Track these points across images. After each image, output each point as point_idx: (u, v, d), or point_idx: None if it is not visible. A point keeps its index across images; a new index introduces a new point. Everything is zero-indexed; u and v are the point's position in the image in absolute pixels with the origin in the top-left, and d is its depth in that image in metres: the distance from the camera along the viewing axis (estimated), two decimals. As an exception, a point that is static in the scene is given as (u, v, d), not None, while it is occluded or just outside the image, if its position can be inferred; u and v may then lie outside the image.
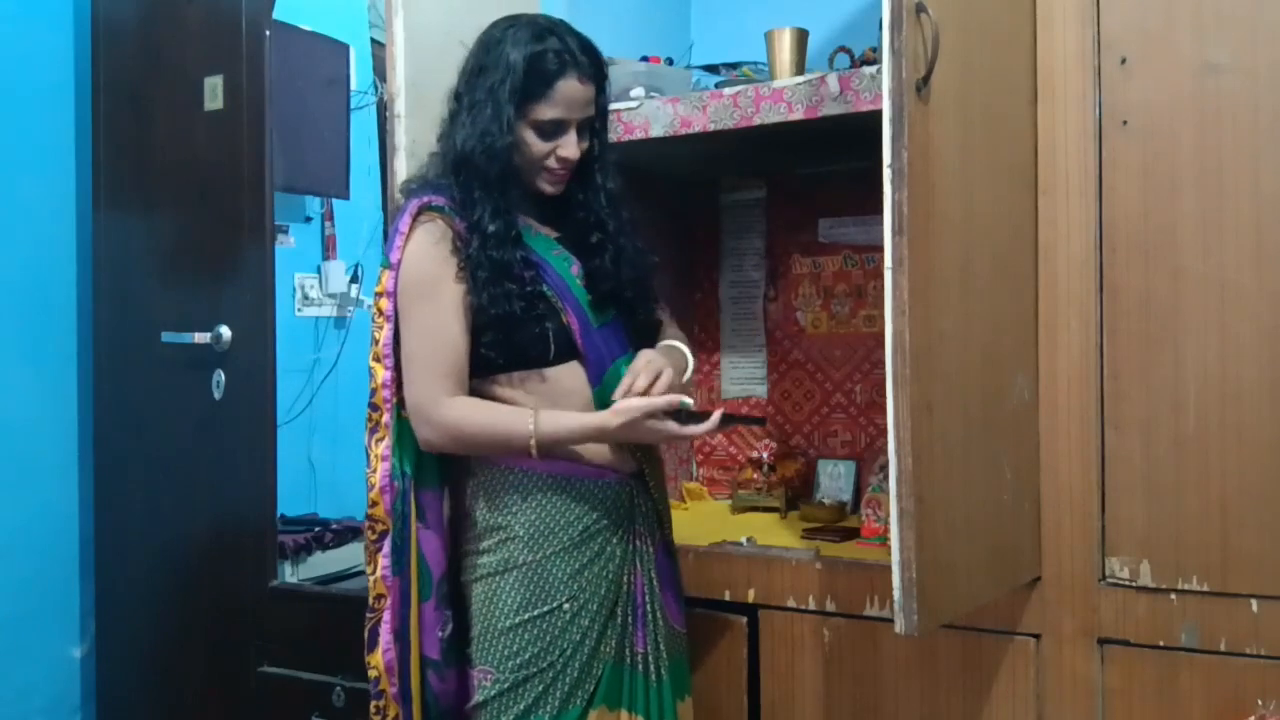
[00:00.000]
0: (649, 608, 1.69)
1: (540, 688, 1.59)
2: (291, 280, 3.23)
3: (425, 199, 1.62)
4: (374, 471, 1.66)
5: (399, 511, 1.65)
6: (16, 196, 2.69)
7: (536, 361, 1.63)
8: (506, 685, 1.59)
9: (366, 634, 1.68)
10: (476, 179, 1.61)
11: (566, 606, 1.61)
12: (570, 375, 1.65)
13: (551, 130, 1.63)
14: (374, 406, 1.67)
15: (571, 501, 1.63)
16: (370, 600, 1.67)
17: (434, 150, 1.70)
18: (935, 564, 1.45)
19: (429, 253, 1.61)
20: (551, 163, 1.65)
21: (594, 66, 1.65)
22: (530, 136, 1.63)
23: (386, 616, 1.66)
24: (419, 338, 1.61)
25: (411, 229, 1.61)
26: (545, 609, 1.60)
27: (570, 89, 1.62)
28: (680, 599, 1.77)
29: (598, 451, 1.65)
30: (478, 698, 1.62)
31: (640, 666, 1.67)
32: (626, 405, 1.58)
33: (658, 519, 1.73)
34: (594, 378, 1.65)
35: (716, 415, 1.60)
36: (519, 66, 1.59)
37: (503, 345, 1.61)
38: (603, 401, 1.64)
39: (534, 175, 1.66)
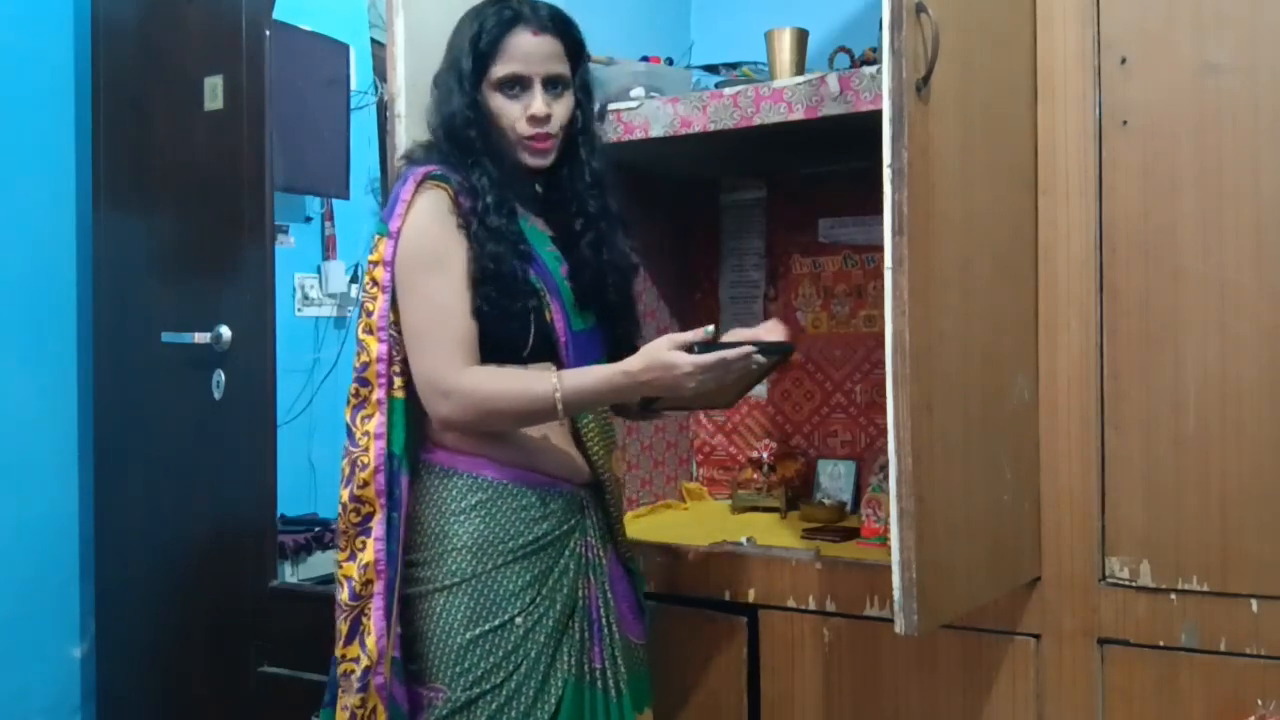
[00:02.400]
0: (605, 622, 1.63)
1: (494, 705, 1.52)
2: (291, 280, 3.23)
3: (429, 168, 1.57)
4: (364, 450, 1.55)
5: (392, 493, 1.55)
6: (16, 196, 2.69)
7: (510, 355, 1.57)
8: (459, 703, 1.52)
9: (346, 625, 1.55)
10: (464, 152, 1.58)
11: (519, 621, 1.54)
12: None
13: (513, 88, 1.60)
14: (363, 381, 1.58)
15: (521, 511, 1.57)
16: (356, 587, 1.54)
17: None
18: (935, 564, 1.45)
19: (435, 222, 1.54)
20: (523, 127, 1.60)
21: (551, 21, 1.62)
22: (498, 101, 1.60)
23: (378, 603, 1.53)
24: (429, 310, 1.53)
25: (414, 197, 1.55)
26: (496, 623, 1.53)
27: (522, 41, 1.59)
28: (638, 611, 1.72)
29: (552, 459, 1.61)
30: (427, 716, 1.55)
31: (599, 683, 1.61)
32: (651, 345, 1.49)
33: (609, 530, 1.69)
34: None
35: (746, 347, 1.48)
36: (471, 32, 1.60)
37: (483, 332, 1.55)
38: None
39: (516, 149, 1.62)
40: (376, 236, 1.57)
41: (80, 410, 2.80)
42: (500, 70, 1.59)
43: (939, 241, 1.47)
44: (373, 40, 3.30)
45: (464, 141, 1.59)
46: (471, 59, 1.59)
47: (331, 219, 3.39)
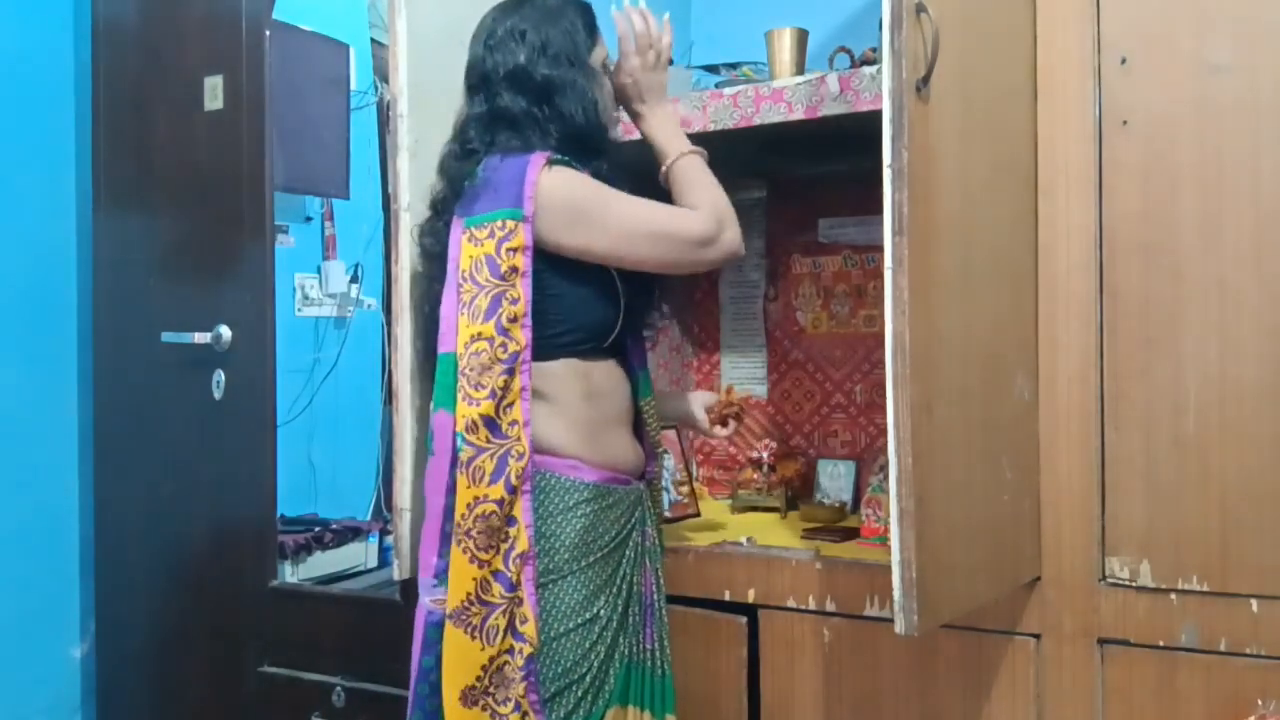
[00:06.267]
0: (656, 605, 1.71)
1: (579, 693, 1.57)
2: (291, 280, 3.24)
3: (545, 153, 1.60)
4: (517, 440, 1.54)
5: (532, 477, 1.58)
6: (16, 196, 2.69)
7: (598, 342, 1.66)
8: (548, 695, 1.56)
9: (505, 619, 1.53)
10: (593, 139, 1.66)
11: (604, 614, 1.60)
12: (617, 370, 1.71)
13: (605, 70, 1.72)
14: (511, 371, 1.54)
15: (608, 510, 1.63)
16: (513, 578, 1.53)
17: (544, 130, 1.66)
18: (935, 564, 1.45)
19: (578, 177, 1.60)
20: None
21: None
22: (606, 81, 1.71)
23: (529, 589, 1.54)
24: (636, 207, 1.60)
25: (540, 176, 1.57)
26: (587, 617, 1.58)
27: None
28: None
29: (627, 457, 1.69)
30: None
31: (648, 661, 1.68)
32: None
33: (658, 516, 1.77)
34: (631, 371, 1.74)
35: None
36: (578, 21, 1.68)
37: (578, 319, 1.63)
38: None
39: (611, 125, 1.72)
40: (510, 222, 1.55)
41: (80, 410, 2.79)
42: (602, 52, 1.71)
43: (939, 242, 1.47)
44: (373, 40, 3.31)
45: (598, 129, 1.67)
46: (588, 47, 1.68)
47: (331, 219, 3.39)
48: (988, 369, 1.60)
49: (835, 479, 2.39)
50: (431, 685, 1.58)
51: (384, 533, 2.95)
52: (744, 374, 2.57)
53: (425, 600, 1.60)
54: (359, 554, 2.89)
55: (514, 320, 1.55)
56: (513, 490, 1.54)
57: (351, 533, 2.88)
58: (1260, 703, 1.55)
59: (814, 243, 2.49)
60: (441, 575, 1.57)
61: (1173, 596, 1.62)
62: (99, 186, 2.74)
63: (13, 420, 2.66)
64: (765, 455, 2.39)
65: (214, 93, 2.53)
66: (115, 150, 2.72)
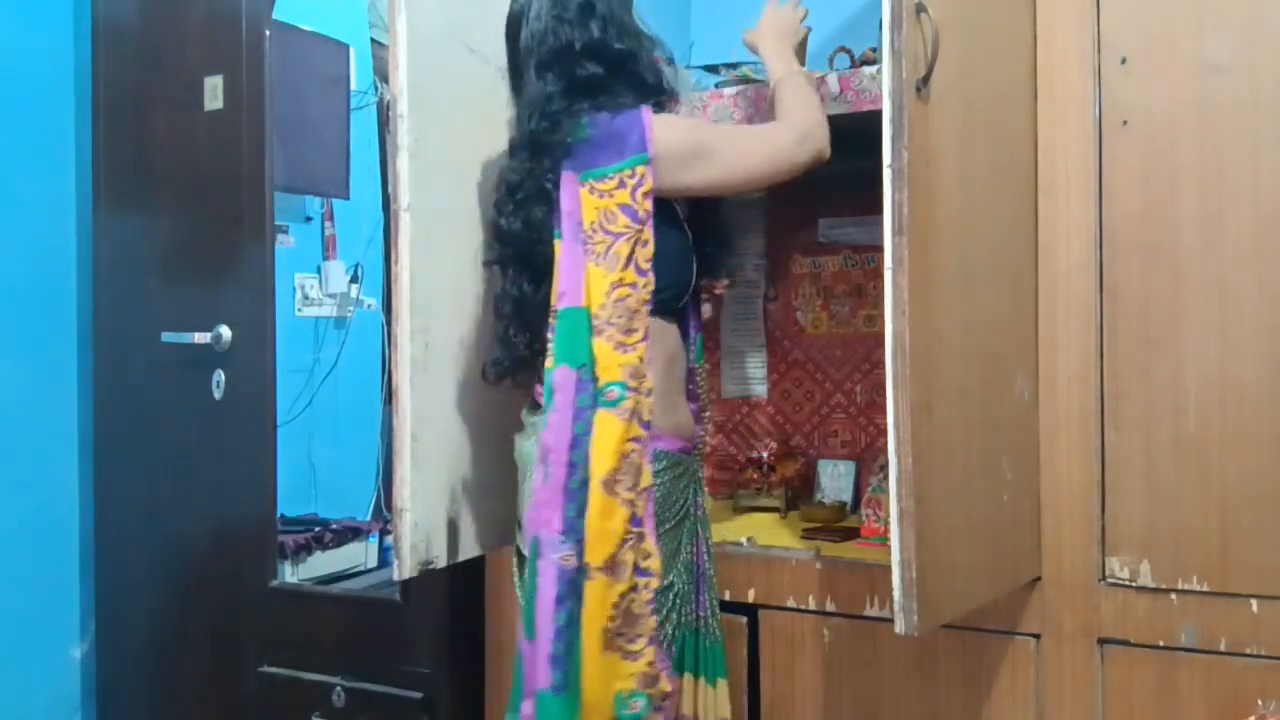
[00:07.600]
0: (708, 573, 1.72)
1: None
2: (291, 280, 3.24)
3: (649, 106, 1.64)
4: (641, 378, 1.55)
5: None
6: (16, 196, 2.69)
7: (673, 303, 1.67)
8: None
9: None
10: (661, 94, 1.71)
11: (676, 582, 1.61)
12: (680, 333, 1.71)
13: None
14: (633, 312, 1.57)
15: (679, 480, 1.64)
16: (639, 512, 1.54)
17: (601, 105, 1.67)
18: (935, 564, 1.45)
19: (683, 119, 1.70)
20: None
21: None
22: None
23: (650, 523, 1.56)
24: (734, 133, 1.73)
25: (655, 122, 1.62)
26: (663, 584, 1.59)
27: None
28: None
29: (689, 426, 1.69)
30: None
31: (702, 628, 1.69)
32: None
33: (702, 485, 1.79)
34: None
35: None
36: None
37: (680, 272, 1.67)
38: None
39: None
40: (640, 168, 1.59)
41: (80, 410, 2.80)
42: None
43: (939, 242, 1.47)
44: (373, 40, 3.31)
45: (663, 89, 1.72)
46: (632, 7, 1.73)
47: (331, 219, 3.39)
48: (988, 369, 1.60)
49: (835, 479, 2.39)
50: (567, 645, 1.55)
51: (384, 533, 2.95)
52: (744, 374, 2.57)
53: (553, 558, 1.55)
54: (359, 554, 2.90)
55: (649, 260, 1.59)
56: (647, 426, 1.56)
57: (351, 533, 2.88)
58: (1260, 703, 1.55)
59: (814, 243, 2.49)
60: (568, 531, 1.54)
61: (1173, 596, 1.62)
62: (99, 186, 2.74)
63: (13, 420, 2.66)
64: (765, 455, 2.39)
65: (214, 93, 2.53)
66: (115, 150, 2.72)
